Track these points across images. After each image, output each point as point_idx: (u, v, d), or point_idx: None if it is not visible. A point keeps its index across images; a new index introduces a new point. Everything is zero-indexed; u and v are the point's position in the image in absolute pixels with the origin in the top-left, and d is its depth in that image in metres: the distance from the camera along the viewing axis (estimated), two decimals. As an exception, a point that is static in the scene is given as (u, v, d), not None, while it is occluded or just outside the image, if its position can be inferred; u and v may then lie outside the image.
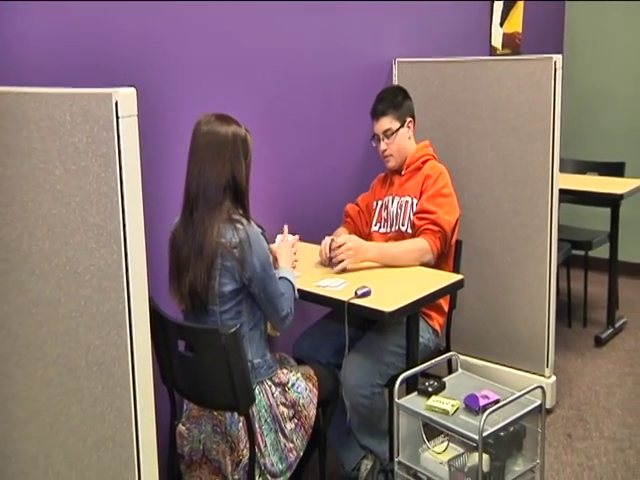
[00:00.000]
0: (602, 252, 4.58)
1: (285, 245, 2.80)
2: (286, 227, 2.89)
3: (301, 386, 2.56)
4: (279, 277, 2.56)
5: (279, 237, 2.88)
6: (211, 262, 2.36)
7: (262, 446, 2.41)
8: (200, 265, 2.37)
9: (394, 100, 3.21)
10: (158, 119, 2.77)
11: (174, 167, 2.70)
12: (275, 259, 2.77)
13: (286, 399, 2.50)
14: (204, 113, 2.46)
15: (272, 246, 2.73)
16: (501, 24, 4.81)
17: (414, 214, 3.10)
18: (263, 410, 2.44)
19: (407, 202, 3.16)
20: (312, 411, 2.55)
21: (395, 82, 3.84)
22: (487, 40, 4.73)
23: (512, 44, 4.95)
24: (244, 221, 2.39)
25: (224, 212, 2.38)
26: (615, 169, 4.83)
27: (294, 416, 2.51)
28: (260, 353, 2.48)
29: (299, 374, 2.60)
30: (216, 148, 2.39)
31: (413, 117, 3.25)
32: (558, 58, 3.37)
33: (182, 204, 2.45)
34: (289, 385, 2.53)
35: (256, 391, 2.42)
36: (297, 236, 2.89)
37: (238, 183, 2.42)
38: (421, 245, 3.00)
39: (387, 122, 3.18)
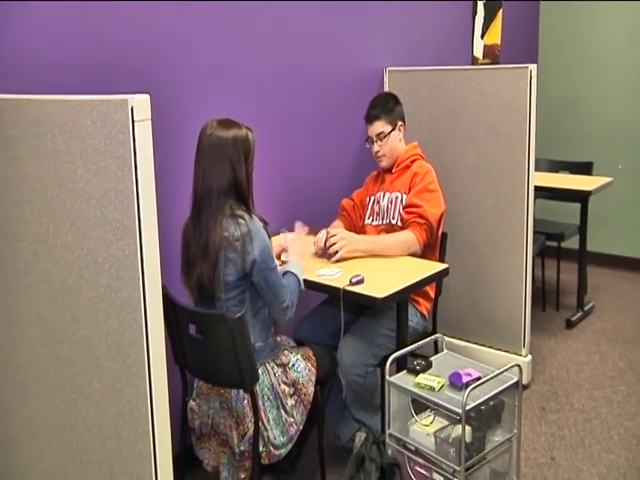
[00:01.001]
0: (573, 243, 4.58)
1: (296, 241, 2.76)
2: (299, 223, 2.87)
3: (301, 366, 2.55)
4: (286, 271, 2.54)
5: (295, 229, 2.86)
6: (216, 257, 2.34)
7: (265, 421, 2.40)
8: (206, 262, 2.36)
9: (386, 106, 3.20)
10: (170, 123, 2.76)
11: (185, 166, 2.68)
12: (281, 253, 2.77)
13: (287, 378, 2.49)
14: (210, 119, 2.44)
15: (275, 239, 2.72)
16: (482, 36, 4.80)
17: (403, 208, 3.10)
18: (266, 389, 2.43)
19: (397, 197, 3.15)
20: (311, 389, 2.54)
21: (386, 89, 3.83)
22: (469, 51, 4.72)
23: (492, 55, 4.93)
24: (246, 216, 2.37)
25: (227, 209, 2.36)
26: (584, 168, 4.83)
27: (294, 393, 2.50)
28: (262, 337, 2.47)
29: (299, 355, 2.59)
30: (218, 152, 2.37)
31: (403, 121, 3.24)
32: (533, 67, 3.36)
33: (191, 203, 2.44)
34: (290, 365, 2.52)
35: (259, 371, 2.41)
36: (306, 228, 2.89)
37: (240, 183, 2.39)
38: (408, 237, 3.00)
39: (380, 126, 3.16)
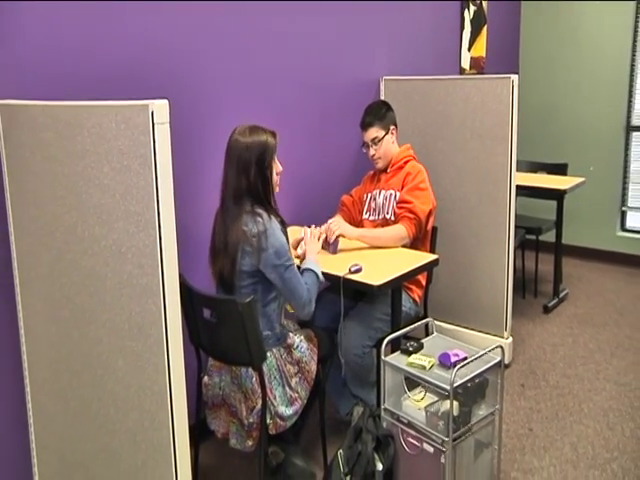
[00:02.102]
0: (550, 237, 4.56)
1: (310, 239, 2.70)
2: (308, 229, 2.82)
3: (304, 347, 2.53)
4: (304, 268, 2.50)
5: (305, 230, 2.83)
6: (235, 251, 2.32)
7: (272, 398, 2.39)
8: (227, 258, 2.35)
9: (379, 113, 3.18)
10: (188, 125, 2.75)
11: (201, 164, 2.68)
12: (297, 244, 2.75)
13: (292, 358, 2.48)
14: (240, 125, 2.40)
15: (294, 229, 2.68)
16: (469, 49, 4.77)
17: (396, 204, 3.08)
18: (273, 369, 2.41)
19: (391, 195, 3.14)
20: (313, 367, 2.53)
21: (382, 97, 3.80)
22: (457, 62, 4.69)
23: (478, 66, 4.91)
24: (264, 216, 2.33)
25: (248, 206, 2.34)
26: (560, 169, 4.81)
27: (298, 372, 2.49)
28: (269, 327, 2.44)
29: (302, 336, 2.57)
30: (233, 157, 2.35)
31: (395, 125, 3.22)
32: (515, 78, 3.34)
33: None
34: (294, 346, 2.50)
35: (268, 354, 2.39)
36: (318, 229, 2.84)
37: (254, 187, 2.36)
38: (399, 230, 2.99)
39: (374, 131, 3.15)
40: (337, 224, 2.91)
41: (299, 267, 2.52)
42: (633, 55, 5.10)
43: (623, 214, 5.36)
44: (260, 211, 2.34)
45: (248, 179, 2.34)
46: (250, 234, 2.31)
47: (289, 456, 2.65)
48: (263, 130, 2.38)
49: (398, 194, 3.10)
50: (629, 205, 5.31)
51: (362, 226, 3.21)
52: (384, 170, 3.23)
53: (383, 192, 3.18)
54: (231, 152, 2.35)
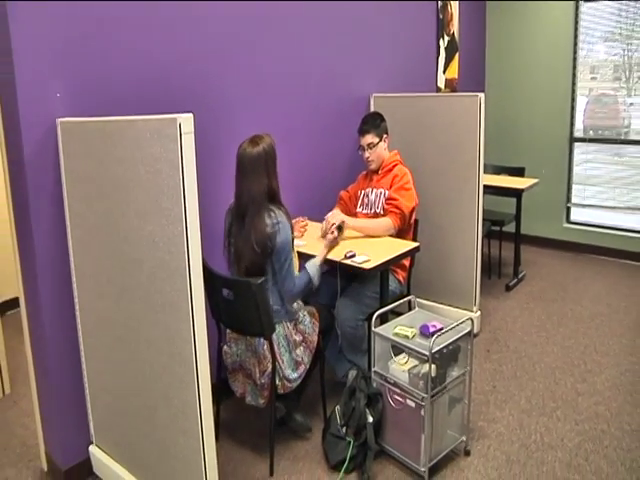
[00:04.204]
0: (510, 228, 4.53)
1: (329, 241, 2.58)
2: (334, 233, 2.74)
3: (307, 320, 2.49)
4: (304, 267, 2.44)
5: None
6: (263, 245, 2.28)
7: (280, 363, 2.37)
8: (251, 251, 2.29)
9: (374, 122, 3.13)
10: (210, 135, 2.71)
11: (220, 167, 2.63)
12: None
13: (297, 330, 2.45)
14: (244, 141, 2.34)
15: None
16: (444, 72, 4.72)
17: (385, 200, 3.04)
18: (282, 338, 2.39)
19: (381, 193, 3.09)
20: (315, 337, 2.50)
21: (372, 110, 3.75)
22: (434, 82, 4.64)
23: (451, 85, 4.85)
24: (277, 211, 2.30)
25: (266, 203, 2.30)
26: (518, 172, 4.78)
27: (303, 341, 2.45)
28: (281, 302, 2.40)
29: (305, 312, 2.53)
30: (251, 166, 2.28)
31: (387, 133, 3.17)
32: (482, 96, 3.29)
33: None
34: (299, 320, 2.47)
35: (277, 326, 2.37)
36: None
37: (276, 182, 2.32)
38: (387, 222, 2.96)
39: (370, 137, 3.10)
40: (338, 215, 2.85)
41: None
42: (573, 79, 5.08)
43: (568, 209, 5.35)
44: (272, 207, 2.31)
45: (269, 179, 2.29)
46: (271, 223, 2.27)
47: (291, 412, 2.61)
48: (264, 140, 2.32)
49: (387, 192, 3.06)
50: (573, 202, 5.31)
51: (357, 218, 3.17)
52: (376, 171, 3.19)
53: (375, 190, 3.14)
54: (245, 163, 2.28)
